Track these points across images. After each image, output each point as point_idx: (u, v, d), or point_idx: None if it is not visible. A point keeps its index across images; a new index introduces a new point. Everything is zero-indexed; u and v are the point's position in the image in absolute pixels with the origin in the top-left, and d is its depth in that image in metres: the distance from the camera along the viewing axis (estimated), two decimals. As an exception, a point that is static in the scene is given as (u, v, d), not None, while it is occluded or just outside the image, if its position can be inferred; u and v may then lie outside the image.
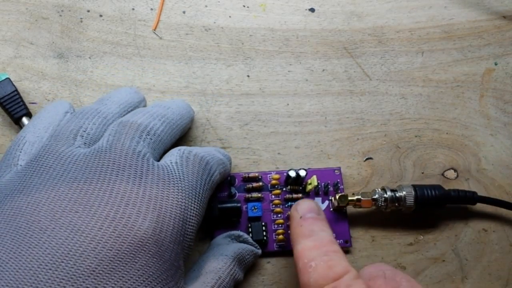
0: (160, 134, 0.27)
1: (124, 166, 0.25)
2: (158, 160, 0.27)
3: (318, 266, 0.24)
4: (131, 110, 0.30)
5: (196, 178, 0.26)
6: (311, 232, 0.26)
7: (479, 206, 0.33)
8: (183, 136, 0.32)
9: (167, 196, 0.25)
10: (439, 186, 0.32)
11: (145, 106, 0.32)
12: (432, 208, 0.31)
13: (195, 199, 0.26)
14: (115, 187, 0.24)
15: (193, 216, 0.25)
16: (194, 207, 0.26)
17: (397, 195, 0.31)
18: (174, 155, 0.27)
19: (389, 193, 0.31)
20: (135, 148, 0.26)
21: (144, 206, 0.24)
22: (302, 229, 0.27)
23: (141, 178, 0.25)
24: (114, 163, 0.25)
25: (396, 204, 0.31)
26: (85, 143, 0.26)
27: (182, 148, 0.28)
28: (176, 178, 0.25)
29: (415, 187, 0.31)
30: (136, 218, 0.23)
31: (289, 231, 0.31)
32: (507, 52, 0.37)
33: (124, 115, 0.29)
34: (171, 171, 0.26)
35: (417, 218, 0.33)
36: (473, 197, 0.32)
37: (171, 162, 0.26)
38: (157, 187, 0.25)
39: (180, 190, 0.25)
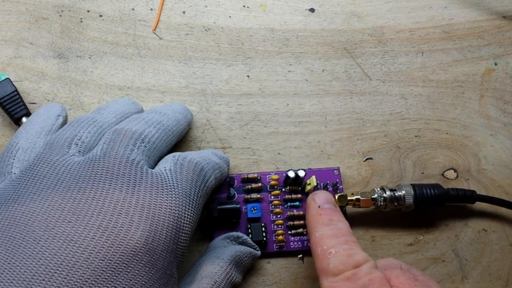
0: (155, 142, 0.27)
1: (117, 174, 0.24)
2: (153, 167, 0.27)
3: (338, 253, 0.25)
4: None
5: (190, 185, 0.26)
6: (330, 222, 0.27)
7: (479, 206, 0.33)
8: (183, 136, 0.32)
9: (160, 204, 0.24)
10: (438, 185, 0.32)
11: None
12: (431, 207, 0.31)
13: (189, 206, 0.26)
14: (108, 196, 0.24)
15: (186, 223, 0.25)
16: (188, 215, 0.25)
17: (396, 194, 0.31)
18: (168, 161, 0.27)
19: (388, 193, 0.31)
20: (129, 156, 0.25)
21: (136, 215, 0.23)
22: (321, 217, 0.27)
23: (134, 186, 0.24)
24: (107, 172, 0.24)
25: (396, 204, 0.31)
26: (79, 151, 0.26)
27: (176, 154, 0.27)
28: (170, 185, 0.25)
29: (414, 186, 0.31)
30: (129, 227, 0.23)
31: (289, 233, 0.31)
32: (507, 52, 0.37)
33: None
34: (165, 179, 0.25)
35: (416, 218, 0.33)
36: (472, 196, 0.32)
37: (165, 169, 0.26)
38: (150, 195, 0.24)
39: (174, 198, 0.25)
